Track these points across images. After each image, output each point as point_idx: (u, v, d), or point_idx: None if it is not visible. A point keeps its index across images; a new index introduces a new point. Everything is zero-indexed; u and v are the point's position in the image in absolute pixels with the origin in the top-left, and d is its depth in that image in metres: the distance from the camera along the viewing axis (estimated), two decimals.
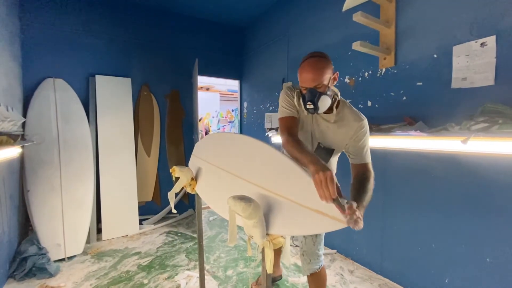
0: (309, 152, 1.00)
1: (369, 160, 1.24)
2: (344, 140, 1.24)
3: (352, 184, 1.18)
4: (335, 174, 1.31)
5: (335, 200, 0.77)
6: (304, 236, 1.45)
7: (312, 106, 1.14)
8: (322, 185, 0.78)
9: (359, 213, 0.74)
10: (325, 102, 1.14)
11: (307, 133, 1.32)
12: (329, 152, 1.28)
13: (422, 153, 1.79)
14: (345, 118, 1.23)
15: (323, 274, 1.44)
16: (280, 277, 2.12)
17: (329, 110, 1.22)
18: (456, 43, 1.61)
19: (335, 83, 1.21)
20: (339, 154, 1.36)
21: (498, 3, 1.44)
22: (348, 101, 2.33)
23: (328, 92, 1.15)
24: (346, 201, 0.78)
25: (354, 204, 0.75)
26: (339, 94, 1.26)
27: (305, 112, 1.22)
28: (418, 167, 1.84)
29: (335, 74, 1.20)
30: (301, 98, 1.21)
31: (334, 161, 1.41)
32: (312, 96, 1.13)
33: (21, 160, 2.44)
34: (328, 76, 1.14)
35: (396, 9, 1.95)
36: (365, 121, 1.23)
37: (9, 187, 2.15)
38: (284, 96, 1.32)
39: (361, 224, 0.73)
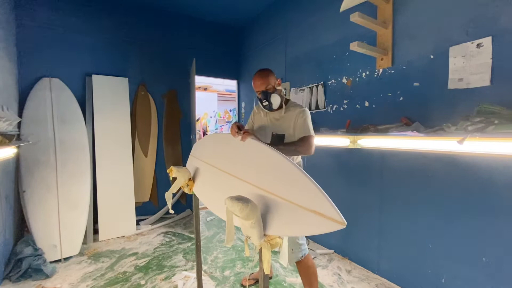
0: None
1: (308, 133, 1.49)
2: (290, 125, 1.55)
3: None
4: (299, 162, 1.67)
5: (237, 132, 1.28)
6: None
7: (267, 103, 1.53)
8: (231, 128, 1.33)
9: (248, 133, 1.23)
10: (276, 99, 1.53)
11: (265, 129, 1.67)
12: (281, 137, 1.58)
13: (419, 154, 1.80)
14: (290, 110, 1.57)
15: (308, 261, 1.59)
16: (271, 277, 2.14)
17: (279, 108, 1.59)
18: (453, 44, 1.62)
19: (280, 86, 1.59)
20: (290, 139, 1.58)
21: (494, 4, 1.46)
22: (345, 101, 2.35)
23: (276, 92, 1.54)
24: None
25: (251, 132, 1.25)
26: (285, 92, 1.60)
27: (262, 114, 1.69)
28: (415, 167, 1.85)
29: (278, 80, 1.60)
30: (259, 101, 1.59)
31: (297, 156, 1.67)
32: (265, 95, 1.53)
33: (17, 160, 2.41)
34: (273, 81, 1.56)
35: (393, 10, 1.96)
36: (305, 108, 1.56)
37: (4, 187, 2.13)
38: (250, 115, 1.84)
39: (244, 138, 1.23)
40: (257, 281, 2.07)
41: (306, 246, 1.60)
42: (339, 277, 2.13)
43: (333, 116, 2.54)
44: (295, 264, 1.59)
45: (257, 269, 2.17)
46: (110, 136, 3.00)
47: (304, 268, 1.58)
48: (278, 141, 1.58)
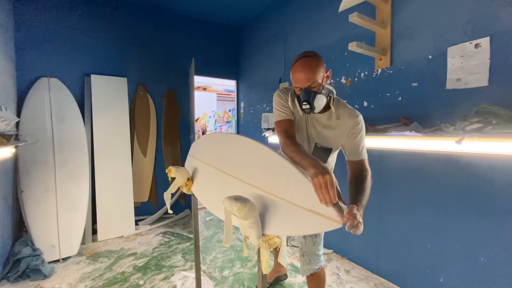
0: (309, 155, 0.99)
1: (365, 156, 1.23)
2: (341, 138, 1.23)
3: (349, 182, 1.18)
4: (333, 171, 1.33)
5: (335, 205, 0.76)
6: (304, 237, 1.44)
7: (308, 106, 1.12)
8: (322, 189, 0.77)
9: (359, 217, 0.75)
10: (320, 101, 1.13)
11: (303, 135, 1.30)
12: (327, 151, 1.27)
13: (417, 153, 1.81)
14: (340, 116, 1.22)
15: (322, 274, 1.44)
16: (286, 276, 2.12)
17: (325, 109, 1.21)
18: (451, 44, 1.62)
19: (328, 81, 1.20)
20: (337, 152, 1.35)
21: (492, 4, 1.46)
22: (344, 101, 2.33)
23: (322, 91, 1.14)
24: (346, 205, 0.77)
25: (355, 208, 0.75)
26: (334, 92, 1.25)
27: (300, 112, 1.21)
28: (414, 167, 1.86)
29: (328, 72, 1.19)
30: (295, 99, 1.19)
31: (332, 160, 1.39)
32: (307, 96, 1.11)
33: (15, 160, 2.41)
34: (321, 75, 1.13)
35: (391, 10, 1.96)
36: (361, 117, 1.22)
37: (2, 187, 2.13)
38: (277, 99, 1.29)
39: (361, 228, 0.74)
40: (275, 279, 2.05)
41: (323, 257, 1.46)
42: (338, 277, 2.14)
43: None
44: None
45: (270, 268, 2.10)
46: (109, 136, 2.99)
47: (317, 279, 1.43)
48: (322, 155, 1.28)
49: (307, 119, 1.29)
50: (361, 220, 0.75)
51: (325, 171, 0.81)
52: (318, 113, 1.22)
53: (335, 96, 1.25)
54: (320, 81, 1.13)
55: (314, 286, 1.45)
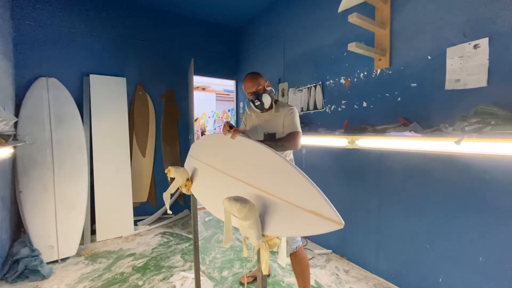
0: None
1: (295, 129, 1.57)
2: (280, 124, 1.63)
3: None
4: (292, 159, 1.75)
5: (228, 131, 1.33)
6: None
7: (258, 102, 1.60)
8: (223, 127, 1.38)
9: (237, 131, 1.29)
10: (267, 99, 1.61)
11: (256, 128, 1.75)
12: (273, 136, 1.65)
13: (417, 154, 1.81)
14: (278, 110, 1.66)
15: (302, 253, 1.67)
16: (269, 275, 2.14)
17: (270, 108, 1.67)
18: (450, 45, 1.63)
19: (269, 88, 1.68)
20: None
21: (491, 5, 1.46)
22: (343, 101, 2.35)
23: (266, 92, 1.62)
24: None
25: (237, 129, 1.31)
26: (274, 91, 1.75)
27: (253, 115, 1.77)
28: (413, 167, 1.86)
29: (267, 81, 1.69)
30: (250, 103, 1.67)
31: None
32: (256, 96, 1.61)
33: (13, 160, 2.39)
34: (262, 82, 1.65)
35: (391, 11, 1.97)
36: (293, 107, 1.64)
37: (0, 188, 2.12)
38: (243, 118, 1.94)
39: (234, 135, 1.30)
40: (255, 279, 2.07)
41: (300, 238, 1.67)
42: (337, 277, 2.14)
43: (331, 117, 2.55)
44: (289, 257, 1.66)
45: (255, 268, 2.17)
46: (107, 136, 2.99)
47: (299, 260, 1.65)
48: (270, 139, 1.64)
49: (258, 118, 1.75)
50: (237, 133, 1.30)
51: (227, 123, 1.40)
52: (264, 111, 1.68)
53: (275, 97, 1.77)
54: (262, 85, 1.64)
55: (296, 263, 1.67)
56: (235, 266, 2.33)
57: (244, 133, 1.35)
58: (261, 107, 1.62)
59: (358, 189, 2.28)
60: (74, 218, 2.56)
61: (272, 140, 1.57)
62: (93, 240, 2.83)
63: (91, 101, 2.93)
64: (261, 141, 1.18)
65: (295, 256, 1.65)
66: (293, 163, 1.63)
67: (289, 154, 1.76)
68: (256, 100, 1.61)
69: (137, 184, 3.36)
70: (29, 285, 2.03)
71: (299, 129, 1.60)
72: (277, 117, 1.65)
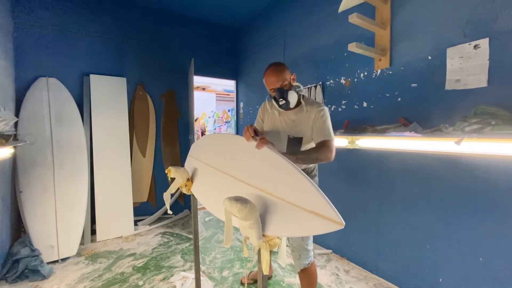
0: None
1: (329, 137, 1.36)
2: (309, 127, 1.41)
3: None
4: (319, 171, 1.58)
5: (253, 137, 1.14)
6: None
7: (284, 101, 1.36)
8: (246, 130, 1.17)
9: (265, 141, 1.07)
10: (293, 96, 1.37)
11: (278, 130, 1.50)
12: (299, 140, 1.44)
13: (417, 154, 1.81)
14: (307, 109, 1.42)
15: (313, 269, 1.50)
16: (270, 276, 2.14)
17: (296, 106, 1.44)
18: (450, 45, 1.63)
19: (295, 82, 1.44)
20: (309, 143, 1.46)
21: (491, 5, 1.47)
22: (343, 101, 2.33)
23: (292, 89, 1.38)
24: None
25: (264, 138, 1.10)
26: (301, 87, 1.50)
27: (276, 113, 1.51)
28: (413, 167, 1.86)
29: (293, 75, 1.44)
30: (272, 100, 1.44)
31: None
32: (282, 93, 1.35)
33: (13, 160, 2.40)
34: (288, 76, 1.40)
35: (391, 11, 1.97)
36: (324, 107, 1.42)
37: (1, 188, 2.12)
38: (259, 111, 1.70)
39: (260, 145, 1.07)
40: (256, 280, 2.07)
41: (312, 253, 1.52)
42: (337, 277, 2.14)
43: (331, 117, 2.54)
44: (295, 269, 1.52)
45: (256, 268, 2.17)
46: (108, 136, 2.99)
47: (308, 275, 1.49)
48: (295, 145, 1.45)
49: (281, 117, 1.50)
50: (266, 142, 1.07)
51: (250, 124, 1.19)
52: (289, 109, 1.44)
53: (302, 91, 1.45)
54: (288, 81, 1.38)
55: (306, 282, 1.50)
56: (235, 266, 2.33)
57: (272, 144, 1.10)
58: (286, 107, 1.39)
59: (358, 189, 2.28)
60: (74, 218, 2.56)
61: (304, 153, 1.35)
62: (93, 240, 2.83)
63: (91, 101, 2.93)
64: (290, 152, 1.06)
65: (305, 272, 1.48)
66: (316, 170, 1.58)
67: (315, 167, 1.57)
68: (280, 99, 1.35)
69: (137, 184, 3.36)
70: (29, 285, 2.04)
71: (333, 136, 1.37)
72: (306, 118, 1.41)
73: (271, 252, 1.97)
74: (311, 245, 1.49)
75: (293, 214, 0.84)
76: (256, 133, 1.17)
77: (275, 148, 1.06)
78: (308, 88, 2.80)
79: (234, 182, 1.16)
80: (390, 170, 2.02)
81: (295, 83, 1.43)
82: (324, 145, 1.33)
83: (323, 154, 1.29)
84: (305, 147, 1.45)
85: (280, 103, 1.37)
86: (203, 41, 3.97)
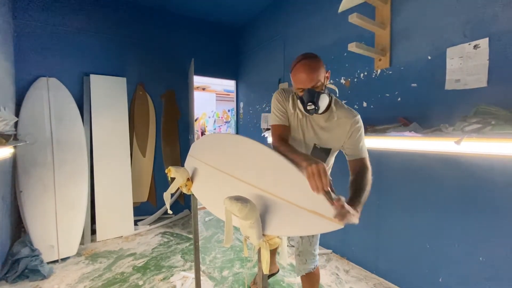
0: (301, 152, 1.05)
1: (365, 155, 1.22)
2: (340, 139, 1.23)
3: (350, 181, 1.17)
4: (331, 173, 1.32)
5: (326, 192, 0.78)
6: (300, 237, 1.46)
7: (313, 107, 1.11)
8: (314, 176, 0.80)
9: (348, 208, 0.76)
10: (324, 101, 1.13)
11: (301, 136, 1.29)
12: (326, 152, 1.26)
13: (417, 154, 1.81)
14: (339, 116, 1.21)
15: (317, 274, 1.47)
16: (278, 270, 2.12)
17: (325, 110, 1.20)
18: (450, 45, 1.63)
19: (327, 82, 1.20)
20: (335, 153, 1.35)
21: (491, 6, 1.47)
22: (343, 101, 2.34)
23: (325, 91, 1.14)
24: (336, 196, 0.79)
25: (343, 198, 0.77)
26: (337, 91, 1.34)
27: (300, 115, 1.24)
28: (413, 167, 1.86)
29: (328, 72, 1.19)
30: (298, 101, 1.17)
31: (330, 161, 1.39)
32: (312, 96, 1.10)
33: (14, 160, 2.40)
34: (323, 75, 1.13)
35: (391, 11, 1.97)
36: (359, 117, 1.22)
37: (1, 188, 2.12)
38: (275, 102, 1.29)
39: (351, 219, 0.76)
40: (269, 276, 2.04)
41: (318, 257, 1.48)
42: (337, 277, 2.14)
43: None
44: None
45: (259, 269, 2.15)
46: (108, 136, 2.99)
47: (311, 279, 1.45)
48: (321, 156, 1.27)
49: (306, 121, 1.26)
50: (350, 211, 0.76)
51: (318, 161, 0.85)
52: (317, 114, 1.20)
53: (337, 95, 1.26)
54: (322, 81, 1.13)
55: (309, 282, 1.46)
56: (235, 266, 2.33)
57: (358, 211, 0.84)
58: (314, 112, 1.14)
59: None
60: (74, 218, 2.56)
61: (363, 194, 1.01)
62: (93, 240, 2.83)
63: (91, 101, 2.93)
64: (354, 203, 0.87)
65: (310, 276, 1.43)
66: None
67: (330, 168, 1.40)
68: (309, 103, 1.10)
69: (137, 184, 3.36)
70: (29, 285, 2.04)
71: (367, 153, 1.21)
72: (338, 127, 1.21)
73: (275, 251, 1.96)
74: (317, 250, 1.47)
75: (293, 213, 0.84)
76: (331, 185, 0.83)
77: (353, 219, 0.78)
78: None
79: (234, 181, 1.16)
80: (390, 170, 2.02)
81: (329, 84, 1.21)
82: (366, 166, 1.17)
83: (370, 179, 1.12)
84: (331, 158, 1.34)
85: (308, 107, 1.11)
86: (203, 41, 3.97)
